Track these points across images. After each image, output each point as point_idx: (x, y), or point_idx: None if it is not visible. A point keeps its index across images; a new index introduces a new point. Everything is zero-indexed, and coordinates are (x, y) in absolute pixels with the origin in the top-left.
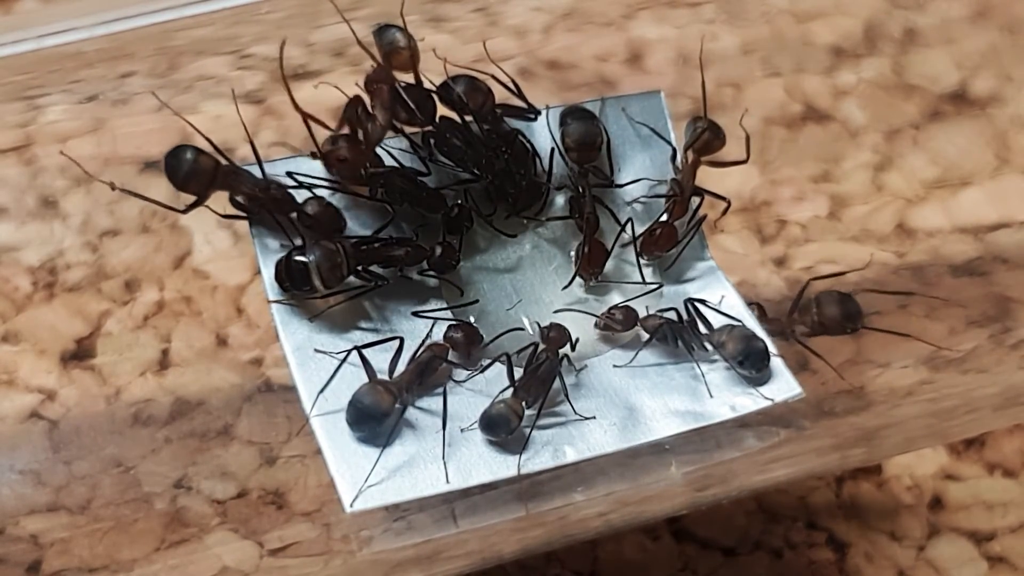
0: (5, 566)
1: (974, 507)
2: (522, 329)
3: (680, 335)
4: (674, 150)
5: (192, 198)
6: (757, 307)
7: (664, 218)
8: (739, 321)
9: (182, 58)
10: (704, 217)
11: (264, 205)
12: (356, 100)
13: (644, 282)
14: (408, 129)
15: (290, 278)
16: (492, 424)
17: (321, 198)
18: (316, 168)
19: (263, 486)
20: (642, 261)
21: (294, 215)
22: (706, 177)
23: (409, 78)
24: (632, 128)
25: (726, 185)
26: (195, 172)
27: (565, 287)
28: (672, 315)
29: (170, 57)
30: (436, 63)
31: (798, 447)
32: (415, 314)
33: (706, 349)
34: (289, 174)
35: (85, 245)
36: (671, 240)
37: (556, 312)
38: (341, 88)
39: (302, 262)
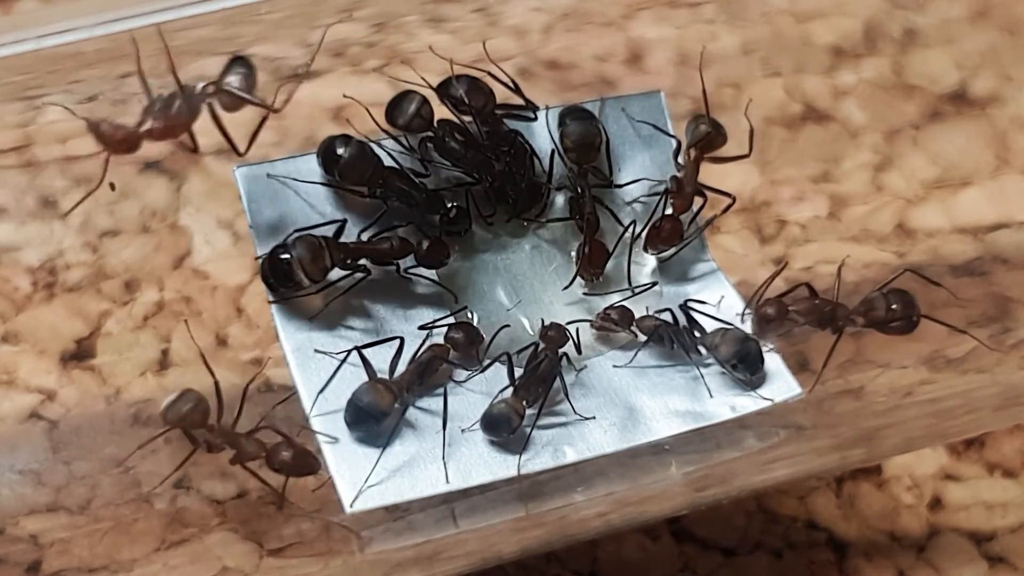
0: (5, 566)
1: (974, 507)
2: (508, 326)
3: (676, 337)
4: (678, 144)
5: None
6: (807, 287)
7: (668, 212)
8: (732, 325)
9: (182, 58)
10: (711, 219)
11: None
12: None
13: (637, 284)
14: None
15: (275, 275)
16: (493, 424)
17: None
18: (315, 169)
19: (263, 486)
20: (647, 255)
21: None
22: (707, 177)
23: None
24: (632, 128)
25: (726, 185)
26: None
27: (566, 287)
28: (667, 316)
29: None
30: (437, 63)
31: (798, 447)
32: (422, 327)
33: (700, 352)
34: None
35: (85, 245)
36: (676, 234)
37: (570, 323)
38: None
39: (284, 258)
